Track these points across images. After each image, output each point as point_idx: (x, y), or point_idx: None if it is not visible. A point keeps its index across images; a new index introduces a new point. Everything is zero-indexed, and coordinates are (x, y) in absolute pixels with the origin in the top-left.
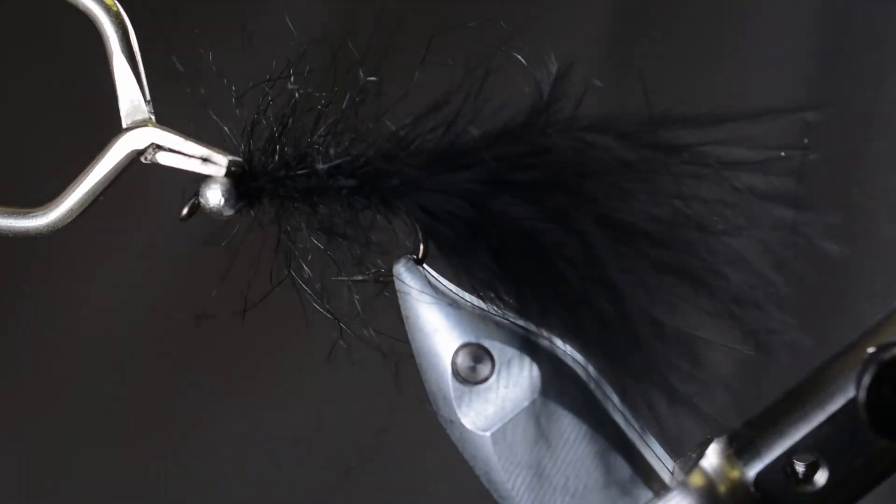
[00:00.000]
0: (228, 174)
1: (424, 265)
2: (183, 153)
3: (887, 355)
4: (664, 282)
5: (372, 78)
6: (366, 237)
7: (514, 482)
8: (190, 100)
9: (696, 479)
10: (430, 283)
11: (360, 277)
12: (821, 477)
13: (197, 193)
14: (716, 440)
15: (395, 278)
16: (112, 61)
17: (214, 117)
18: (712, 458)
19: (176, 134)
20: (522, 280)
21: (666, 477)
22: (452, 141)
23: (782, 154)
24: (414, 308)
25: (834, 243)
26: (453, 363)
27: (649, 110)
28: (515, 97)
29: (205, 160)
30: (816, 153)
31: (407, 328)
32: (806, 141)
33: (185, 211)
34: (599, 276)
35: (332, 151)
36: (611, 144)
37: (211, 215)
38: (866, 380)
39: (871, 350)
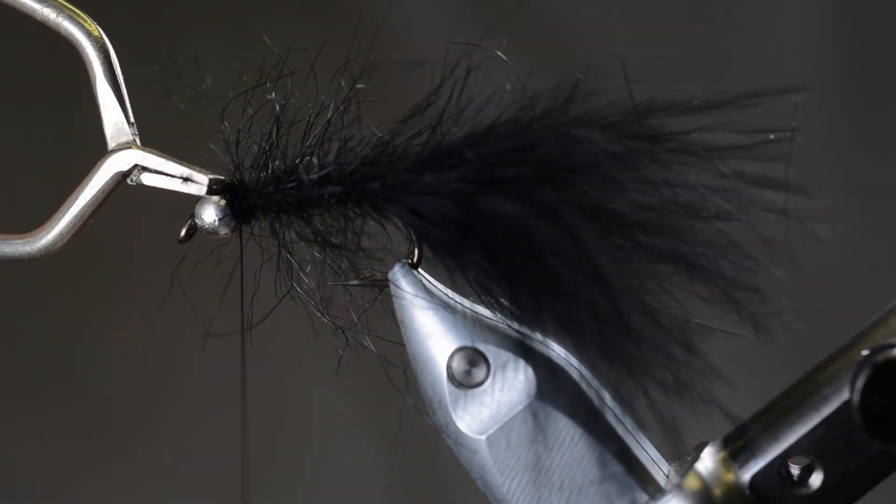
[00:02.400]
0: (221, 193)
1: (419, 269)
2: (166, 173)
3: (881, 357)
4: (658, 269)
5: (360, 85)
6: (358, 244)
7: (509, 485)
8: (184, 123)
9: (692, 482)
10: (425, 287)
11: (355, 282)
12: (816, 479)
13: (192, 215)
14: (711, 443)
15: (390, 283)
16: (95, 85)
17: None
18: (707, 461)
19: (158, 155)
20: (514, 277)
21: (661, 480)
22: (438, 142)
23: (771, 137)
24: (409, 312)
25: (825, 226)
26: (448, 367)
27: (633, 99)
28: (498, 94)
29: (186, 179)
30: (806, 136)
31: (402, 332)
32: (794, 123)
33: (182, 233)
34: (590, 268)
35: (319, 162)
36: (596, 136)
37: (208, 235)
38: (860, 382)
39: (864, 352)
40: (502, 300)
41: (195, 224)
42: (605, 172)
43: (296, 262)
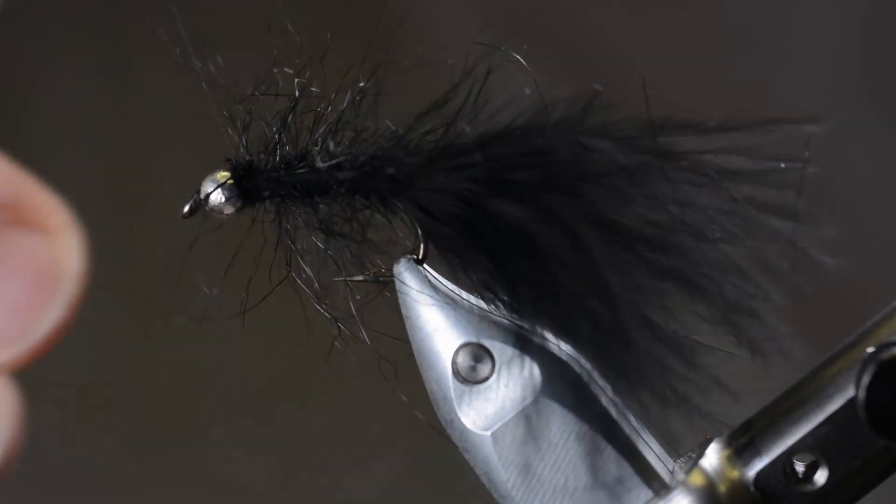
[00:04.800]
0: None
1: (425, 265)
2: None
3: (886, 354)
4: (661, 286)
5: (363, 84)
6: (364, 236)
7: (514, 482)
8: (196, 102)
9: (696, 479)
10: (430, 282)
11: (360, 277)
12: (821, 476)
13: (198, 191)
14: (716, 440)
15: (395, 278)
16: None
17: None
18: (712, 457)
19: None
20: (516, 280)
21: (666, 476)
22: (451, 140)
23: (782, 165)
24: (414, 308)
25: (831, 256)
26: (453, 363)
27: (650, 115)
28: (517, 97)
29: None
30: (816, 165)
31: (407, 328)
32: (807, 153)
33: (185, 209)
34: (592, 277)
35: (331, 149)
36: (609, 148)
37: (212, 213)
38: (865, 379)
39: (870, 349)
40: (505, 299)
41: (199, 201)
42: (615, 184)
43: (297, 249)
